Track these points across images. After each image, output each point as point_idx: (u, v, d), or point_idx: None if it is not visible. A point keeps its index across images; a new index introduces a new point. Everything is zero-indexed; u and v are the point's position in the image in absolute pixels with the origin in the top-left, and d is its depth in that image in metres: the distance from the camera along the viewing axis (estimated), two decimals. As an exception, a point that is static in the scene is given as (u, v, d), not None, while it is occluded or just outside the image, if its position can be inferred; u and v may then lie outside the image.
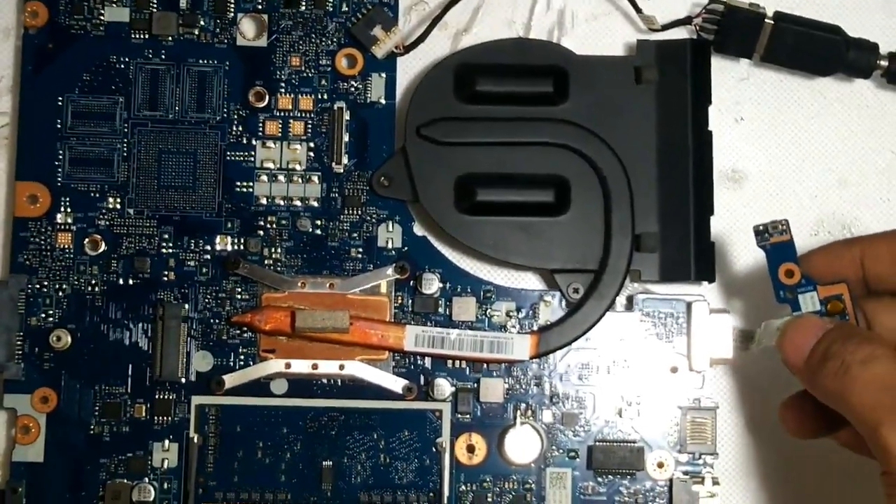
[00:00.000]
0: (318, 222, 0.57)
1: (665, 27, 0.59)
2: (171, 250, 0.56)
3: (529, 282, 0.58)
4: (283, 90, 0.58)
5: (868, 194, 0.60)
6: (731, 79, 0.60)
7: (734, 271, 0.59)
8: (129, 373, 0.56)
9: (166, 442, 0.55)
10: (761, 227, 0.52)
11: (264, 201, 0.57)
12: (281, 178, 0.57)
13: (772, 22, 0.57)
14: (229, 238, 0.57)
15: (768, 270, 0.52)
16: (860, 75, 0.59)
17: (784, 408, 0.53)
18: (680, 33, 0.59)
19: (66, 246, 0.56)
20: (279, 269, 0.56)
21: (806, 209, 0.59)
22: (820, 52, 0.58)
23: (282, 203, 0.57)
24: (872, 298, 0.52)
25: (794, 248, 0.52)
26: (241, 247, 0.57)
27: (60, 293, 0.56)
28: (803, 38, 0.57)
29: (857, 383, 0.46)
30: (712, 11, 0.57)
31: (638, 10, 0.59)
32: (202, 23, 0.58)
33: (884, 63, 0.58)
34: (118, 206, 0.57)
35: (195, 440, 0.55)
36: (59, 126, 0.57)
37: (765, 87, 0.60)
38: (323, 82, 0.58)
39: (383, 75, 0.58)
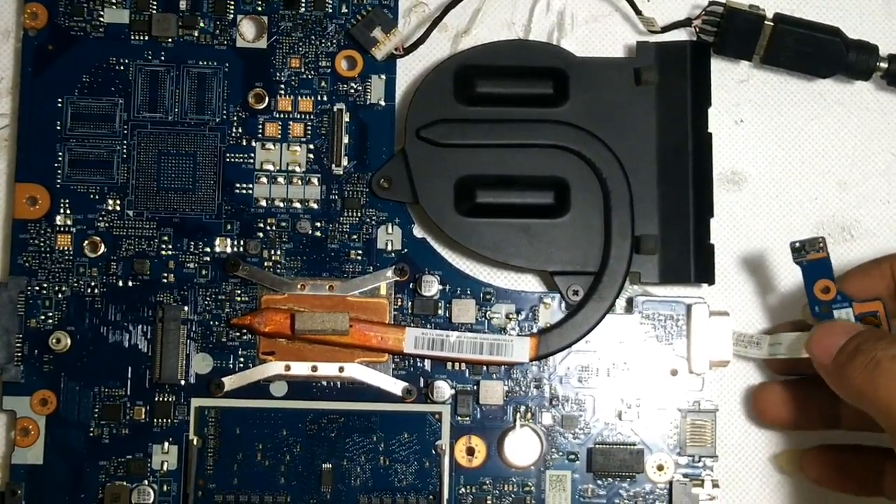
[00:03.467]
0: (318, 224, 0.57)
1: (665, 29, 0.59)
2: (170, 252, 0.56)
3: (529, 284, 0.58)
4: (282, 92, 0.57)
5: (868, 196, 0.59)
6: (730, 81, 0.60)
7: (734, 273, 0.59)
8: (129, 375, 0.56)
9: (166, 444, 0.55)
10: (798, 245, 0.52)
11: (264, 203, 0.57)
12: (280, 179, 0.57)
13: (772, 24, 0.57)
14: (229, 240, 0.57)
15: (805, 286, 0.52)
16: (860, 77, 0.59)
17: (806, 457, 0.54)
18: (680, 35, 0.59)
19: (66, 248, 0.56)
20: (279, 271, 0.56)
21: (806, 211, 0.59)
22: (820, 53, 0.57)
23: (281, 205, 0.57)
24: None
25: (831, 266, 0.52)
26: (241, 249, 0.57)
27: (60, 295, 0.56)
28: (803, 40, 0.57)
29: (887, 377, 0.46)
30: (712, 13, 0.57)
31: (638, 12, 0.58)
32: (202, 24, 0.58)
33: (884, 65, 0.58)
34: (118, 208, 0.57)
35: (195, 442, 0.55)
36: (58, 128, 0.57)
37: (765, 88, 0.60)
38: (323, 84, 0.58)
39: (383, 77, 0.58)
